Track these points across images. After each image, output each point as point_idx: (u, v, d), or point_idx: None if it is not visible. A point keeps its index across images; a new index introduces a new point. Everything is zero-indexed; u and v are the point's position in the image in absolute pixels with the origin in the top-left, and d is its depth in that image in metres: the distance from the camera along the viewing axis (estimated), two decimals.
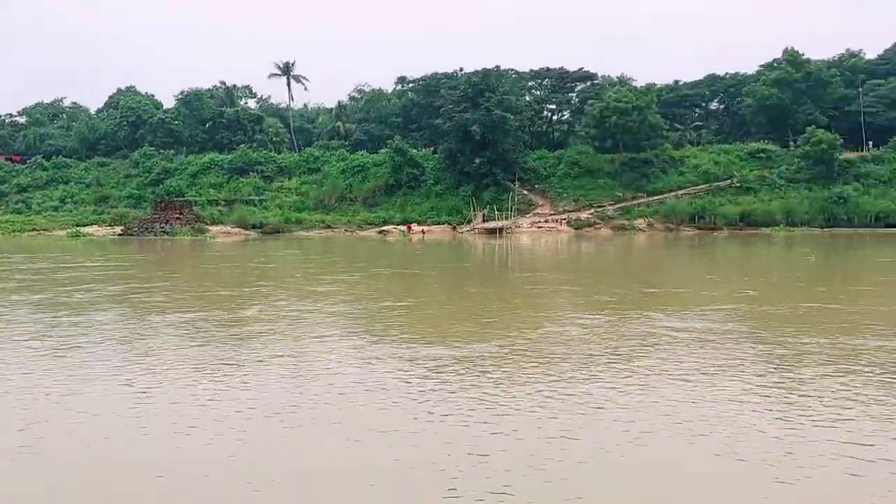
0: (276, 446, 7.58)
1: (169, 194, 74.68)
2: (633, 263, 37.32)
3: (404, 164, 72.54)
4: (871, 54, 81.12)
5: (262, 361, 11.39)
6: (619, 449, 7.41)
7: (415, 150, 76.45)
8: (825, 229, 57.94)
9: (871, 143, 68.09)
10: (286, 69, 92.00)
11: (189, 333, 13.94)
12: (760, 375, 10.27)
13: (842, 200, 60.04)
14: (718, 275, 28.39)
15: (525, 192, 69.06)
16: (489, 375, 10.38)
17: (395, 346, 12.66)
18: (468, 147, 69.27)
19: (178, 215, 65.47)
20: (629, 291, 22.02)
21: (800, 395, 9.22)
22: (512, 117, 69.30)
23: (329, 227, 67.04)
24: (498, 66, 79.41)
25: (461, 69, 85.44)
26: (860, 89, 73.06)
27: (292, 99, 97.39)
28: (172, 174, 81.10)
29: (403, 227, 64.73)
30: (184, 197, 73.31)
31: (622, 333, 13.68)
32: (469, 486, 6.52)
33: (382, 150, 78.18)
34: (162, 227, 63.43)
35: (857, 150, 67.51)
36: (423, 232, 62.94)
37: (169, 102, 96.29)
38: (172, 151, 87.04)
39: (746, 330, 14.17)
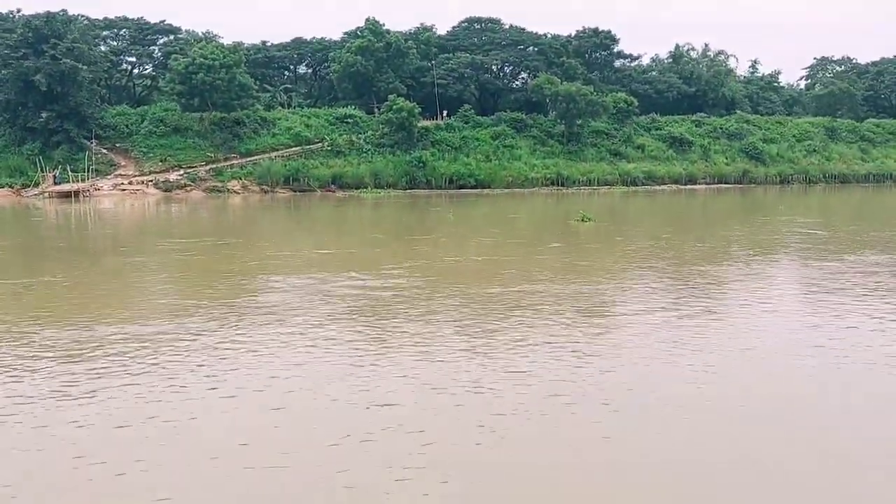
0: None
1: None
2: (274, 225, 36.67)
3: None
4: (441, 30, 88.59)
5: None
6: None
7: None
8: (408, 191, 62.02)
9: (445, 112, 74.41)
10: None
11: None
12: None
13: (421, 164, 64.75)
14: (381, 233, 29.76)
15: (105, 151, 62.46)
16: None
17: None
18: (32, 99, 60.51)
19: None
20: (306, 251, 23.29)
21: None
22: (85, 68, 61.95)
23: None
24: (65, 10, 70.13)
25: (18, 10, 73.88)
26: (433, 62, 79.32)
27: None
28: None
29: None
30: None
31: (343, 294, 14.64)
32: None
33: None
34: None
35: (433, 119, 73.27)
36: None
37: None
38: None
39: (444, 284, 15.98)
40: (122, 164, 61.90)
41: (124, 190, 57.69)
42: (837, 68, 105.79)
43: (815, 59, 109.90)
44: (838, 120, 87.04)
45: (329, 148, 65.97)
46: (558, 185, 66.75)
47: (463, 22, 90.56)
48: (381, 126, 68.39)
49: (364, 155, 66.11)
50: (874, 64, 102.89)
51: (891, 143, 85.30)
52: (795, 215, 38.39)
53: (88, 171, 57.83)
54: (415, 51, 78.07)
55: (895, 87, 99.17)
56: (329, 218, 40.47)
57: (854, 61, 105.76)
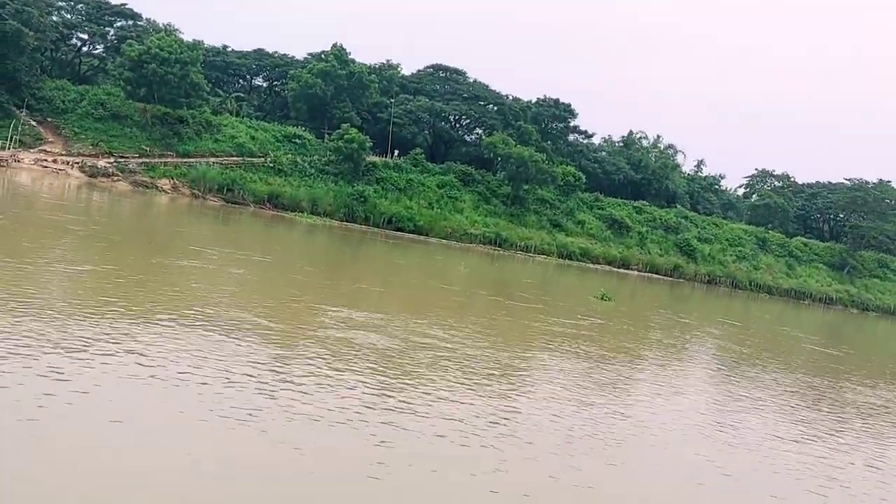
0: None
1: None
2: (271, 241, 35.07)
3: None
4: (406, 71, 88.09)
5: None
6: None
7: None
8: (344, 223, 60.24)
9: (396, 151, 73.30)
10: None
11: None
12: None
13: (362, 199, 63.13)
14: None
15: (34, 123, 58.88)
16: None
17: None
18: None
19: None
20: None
21: None
22: (31, 34, 58.74)
23: None
24: None
25: None
26: (392, 100, 78.44)
27: None
28: None
29: None
30: None
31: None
32: None
33: None
34: None
35: (383, 156, 72.04)
36: None
37: None
38: None
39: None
40: (50, 139, 58.39)
41: (46, 167, 54.21)
42: (776, 183, 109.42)
43: (756, 170, 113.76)
44: (770, 232, 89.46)
45: (271, 164, 63.83)
46: (496, 244, 65.92)
47: (429, 67, 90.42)
48: (328, 152, 66.76)
49: (306, 178, 64.19)
50: (809, 185, 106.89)
51: (814, 264, 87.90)
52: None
53: (11, 140, 54.28)
54: (376, 85, 77.21)
55: (826, 211, 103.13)
56: (308, 247, 38.73)
57: (792, 179, 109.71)
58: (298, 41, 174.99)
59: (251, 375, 10.56)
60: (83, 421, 7.91)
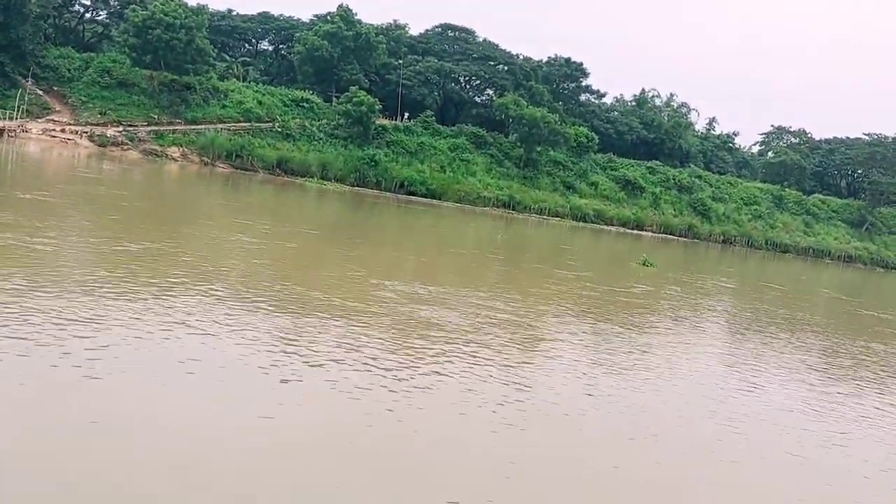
0: None
1: None
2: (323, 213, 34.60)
3: None
4: (414, 31, 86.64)
5: None
6: None
7: None
8: (355, 188, 59.60)
9: (406, 114, 72.25)
10: None
11: None
12: None
13: (373, 163, 62.36)
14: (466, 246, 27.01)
15: (40, 92, 58.16)
16: None
17: None
18: None
19: None
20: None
21: None
22: (34, 1, 57.84)
23: None
24: None
25: None
26: (401, 61, 77.22)
27: None
28: None
29: None
30: None
31: None
32: None
33: None
34: None
35: (392, 119, 71.08)
36: None
37: None
38: None
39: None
40: (57, 109, 57.70)
41: (54, 137, 53.60)
42: (792, 139, 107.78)
43: (772, 126, 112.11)
44: (786, 190, 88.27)
45: (279, 129, 63.02)
46: (510, 207, 65.20)
47: (437, 27, 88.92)
48: (337, 116, 65.86)
49: (315, 143, 63.40)
50: (827, 141, 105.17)
51: (832, 221, 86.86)
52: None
53: (18, 110, 53.64)
54: (384, 46, 75.93)
55: (843, 167, 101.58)
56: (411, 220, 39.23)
57: (809, 135, 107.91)
58: (304, 3, 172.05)
59: (355, 352, 10.81)
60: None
